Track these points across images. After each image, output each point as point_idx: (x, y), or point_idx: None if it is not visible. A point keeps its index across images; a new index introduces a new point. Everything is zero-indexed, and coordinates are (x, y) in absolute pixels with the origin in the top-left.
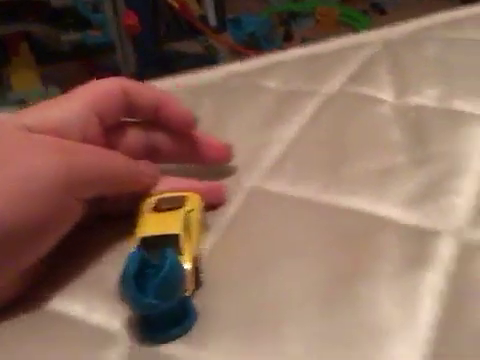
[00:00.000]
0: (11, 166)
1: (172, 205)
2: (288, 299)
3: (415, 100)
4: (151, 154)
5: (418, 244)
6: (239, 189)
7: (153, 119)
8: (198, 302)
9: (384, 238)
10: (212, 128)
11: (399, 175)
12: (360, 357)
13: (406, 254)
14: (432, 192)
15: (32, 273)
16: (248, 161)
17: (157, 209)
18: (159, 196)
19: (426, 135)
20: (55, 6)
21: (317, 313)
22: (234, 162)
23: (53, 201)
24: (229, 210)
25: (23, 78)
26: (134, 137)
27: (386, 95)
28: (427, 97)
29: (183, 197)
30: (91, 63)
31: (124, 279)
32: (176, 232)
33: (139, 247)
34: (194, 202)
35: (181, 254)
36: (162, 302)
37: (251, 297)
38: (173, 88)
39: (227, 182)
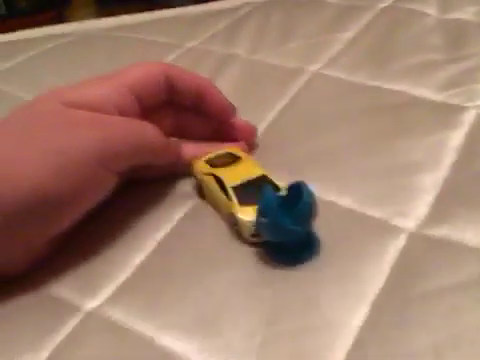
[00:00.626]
0: (50, 141)
1: (229, 159)
2: (340, 147)
3: (456, 15)
4: (180, 133)
5: (446, 114)
6: (304, 72)
7: (192, 105)
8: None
9: (419, 110)
10: (282, 34)
11: (435, 68)
12: (397, 182)
13: (436, 120)
14: (462, 80)
15: (59, 240)
16: (312, 55)
17: (218, 166)
18: (209, 156)
19: (462, 41)
20: None
21: (364, 154)
22: (300, 55)
23: (88, 173)
24: (294, 88)
25: (82, 18)
26: (169, 118)
27: (431, 10)
28: (466, 12)
29: (231, 151)
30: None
31: (266, 210)
32: (262, 173)
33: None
34: (241, 152)
35: (279, 189)
36: (302, 227)
37: (312, 147)
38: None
39: (294, 67)
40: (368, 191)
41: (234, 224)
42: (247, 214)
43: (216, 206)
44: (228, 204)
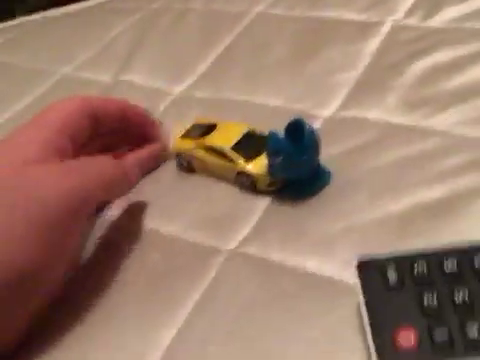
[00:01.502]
0: (19, 205)
1: (204, 129)
2: (276, 61)
3: None
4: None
5: (366, 28)
6: (250, 13)
7: (118, 128)
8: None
9: (344, 28)
10: None
11: None
12: (317, 82)
13: (356, 34)
14: (382, 1)
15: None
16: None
17: (199, 137)
18: (183, 132)
19: None
20: None
21: (293, 64)
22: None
23: (62, 231)
24: (244, 22)
25: None
26: (97, 147)
27: None
28: None
29: (199, 122)
30: None
31: (279, 150)
32: (248, 129)
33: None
34: (209, 118)
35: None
36: (313, 157)
37: (258, 62)
38: None
39: (240, 10)
40: (293, 91)
41: (245, 181)
42: (256, 167)
43: (218, 174)
44: (232, 166)
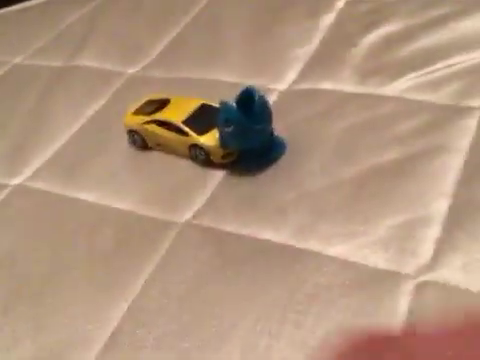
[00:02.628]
0: None
1: (157, 104)
2: (231, 38)
3: None
4: None
5: (321, 3)
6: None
7: None
8: None
9: (297, 7)
10: None
11: None
12: (273, 57)
13: (311, 8)
14: None
15: None
16: None
17: (151, 113)
18: (136, 108)
19: None
20: None
21: (248, 41)
22: None
23: None
24: (192, 10)
25: None
26: None
27: None
28: None
29: (152, 98)
30: None
31: (230, 119)
32: (201, 102)
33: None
34: (164, 94)
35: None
36: (265, 125)
37: (215, 39)
38: None
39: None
40: (249, 67)
41: (199, 154)
42: (209, 140)
43: (170, 148)
44: (185, 140)
